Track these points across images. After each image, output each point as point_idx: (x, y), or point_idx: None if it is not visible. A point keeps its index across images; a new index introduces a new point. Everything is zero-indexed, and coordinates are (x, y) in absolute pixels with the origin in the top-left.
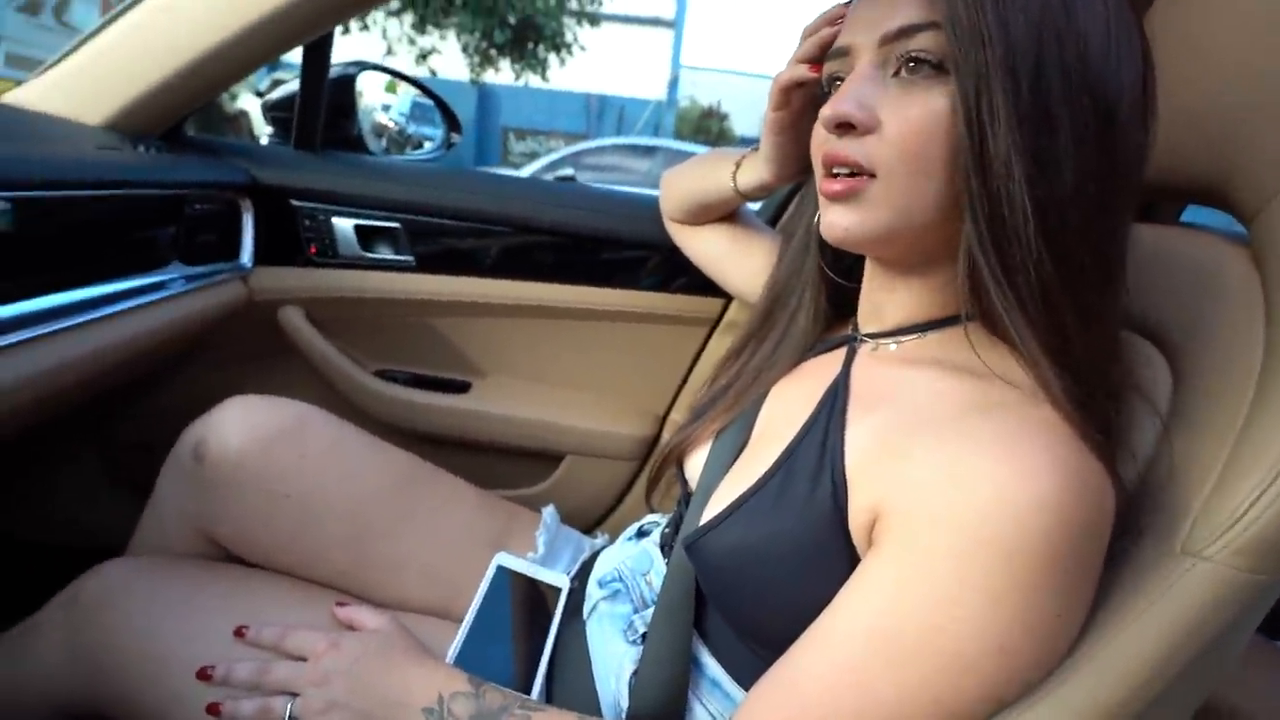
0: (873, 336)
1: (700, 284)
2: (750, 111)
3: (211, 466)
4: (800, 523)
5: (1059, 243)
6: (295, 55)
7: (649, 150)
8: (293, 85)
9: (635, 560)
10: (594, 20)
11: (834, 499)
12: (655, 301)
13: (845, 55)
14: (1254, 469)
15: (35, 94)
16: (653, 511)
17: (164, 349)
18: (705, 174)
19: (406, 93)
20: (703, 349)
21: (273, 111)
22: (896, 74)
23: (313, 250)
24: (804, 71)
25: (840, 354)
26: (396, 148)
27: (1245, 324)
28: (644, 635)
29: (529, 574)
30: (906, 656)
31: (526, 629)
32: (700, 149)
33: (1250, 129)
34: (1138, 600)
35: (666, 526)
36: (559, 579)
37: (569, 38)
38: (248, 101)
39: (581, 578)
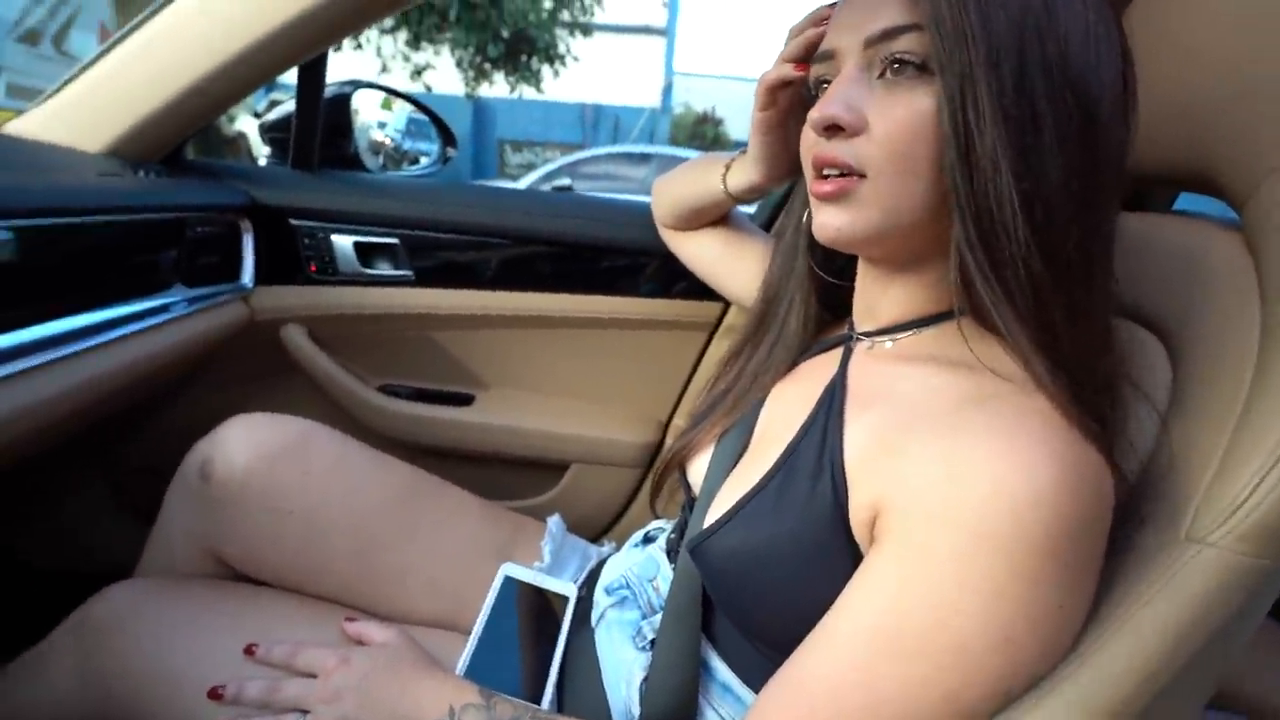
0: (868, 335)
1: (698, 289)
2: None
3: (218, 485)
4: (802, 522)
5: (1046, 238)
6: (291, 76)
7: (644, 157)
8: (289, 106)
9: (642, 567)
10: (586, 31)
11: (834, 497)
12: (654, 308)
13: (831, 58)
14: (1255, 453)
15: (36, 123)
16: (658, 517)
17: (168, 371)
18: (696, 178)
19: (402, 109)
20: (703, 353)
21: (270, 133)
22: (882, 75)
23: (313, 268)
24: (790, 71)
25: (837, 354)
26: (393, 164)
27: (1240, 309)
28: (653, 641)
29: (536, 584)
30: (911, 653)
31: (535, 639)
32: (696, 154)
33: (1236, 116)
34: (1143, 589)
35: (672, 532)
36: (566, 588)
37: (562, 49)
38: (246, 123)
39: (589, 586)
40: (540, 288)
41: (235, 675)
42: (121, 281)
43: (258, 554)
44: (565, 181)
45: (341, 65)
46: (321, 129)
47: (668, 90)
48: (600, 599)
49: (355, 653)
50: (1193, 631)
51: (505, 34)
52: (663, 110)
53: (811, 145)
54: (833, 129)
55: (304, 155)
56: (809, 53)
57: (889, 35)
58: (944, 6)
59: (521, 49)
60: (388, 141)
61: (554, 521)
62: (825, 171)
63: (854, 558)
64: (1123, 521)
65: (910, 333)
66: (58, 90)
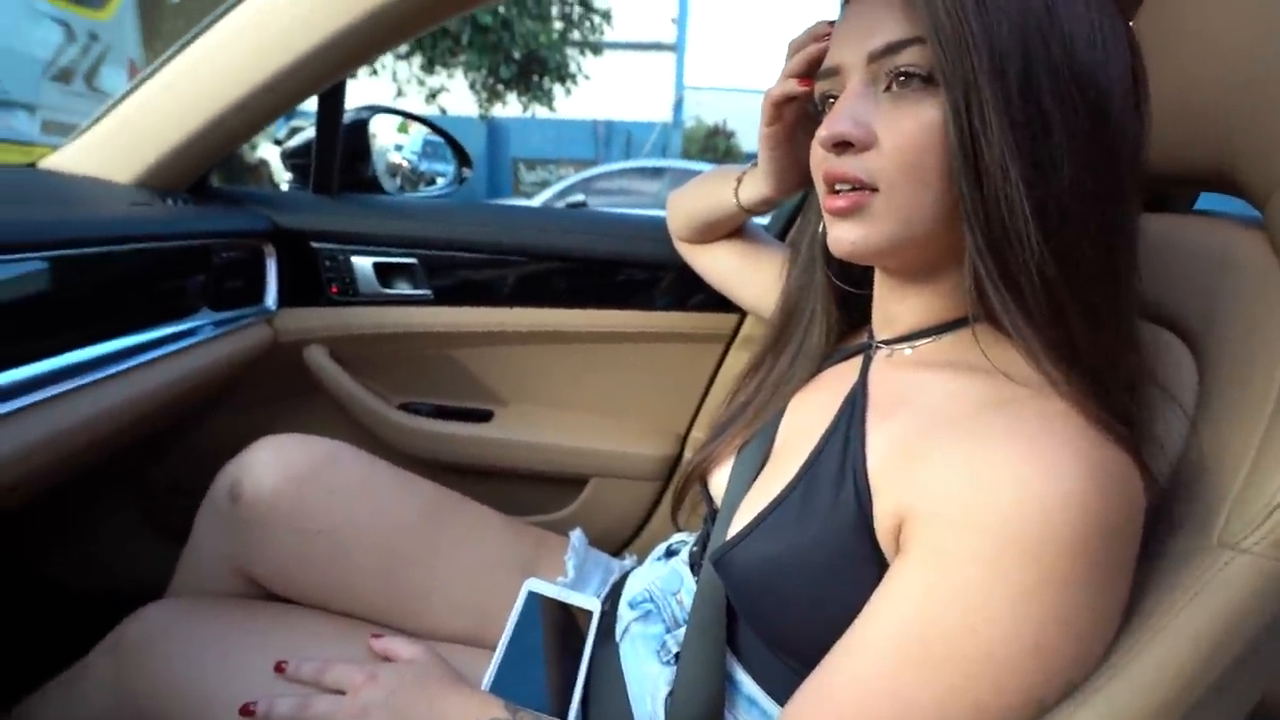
0: (888, 343)
1: (714, 300)
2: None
3: (247, 506)
4: (825, 531)
5: (1061, 241)
6: (311, 104)
7: (657, 172)
8: (309, 133)
9: (665, 580)
10: (597, 49)
11: (858, 506)
12: (670, 320)
13: (835, 74)
14: None
15: (70, 158)
16: (680, 530)
17: (196, 394)
18: (709, 192)
19: (418, 132)
20: (720, 365)
21: (291, 159)
22: (888, 89)
23: (334, 290)
24: (794, 86)
25: (856, 362)
26: (411, 185)
27: (1265, 308)
28: (677, 655)
29: (560, 598)
30: (940, 661)
31: (560, 653)
32: (708, 167)
33: (1254, 114)
34: (1175, 596)
35: (694, 544)
36: (590, 602)
37: (573, 68)
38: (267, 150)
39: (612, 600)
40: (556, 303)
41: (265, 692)
42: (151, 307)
43: (286, 573)
44: (579, 198)
45: (359, 90)
46: (340, 154)
47: (679, 105)
48: (624, 613)
49: (383, 669)
50: (1227, 640)
51: (517, 55)
52: (674, 124)
53: (821, 161)
54: (842, 145)
55: (324, 180)
56: (811, 68)
57: (892, 50)
58: (944, 17)
59: (533, 69)
60: (405, 164)
61: (576, 536)
62: (838, 187)
63: (879, 566)
64: (1154, 526)
65: (929, 340)
66: (90, 126)
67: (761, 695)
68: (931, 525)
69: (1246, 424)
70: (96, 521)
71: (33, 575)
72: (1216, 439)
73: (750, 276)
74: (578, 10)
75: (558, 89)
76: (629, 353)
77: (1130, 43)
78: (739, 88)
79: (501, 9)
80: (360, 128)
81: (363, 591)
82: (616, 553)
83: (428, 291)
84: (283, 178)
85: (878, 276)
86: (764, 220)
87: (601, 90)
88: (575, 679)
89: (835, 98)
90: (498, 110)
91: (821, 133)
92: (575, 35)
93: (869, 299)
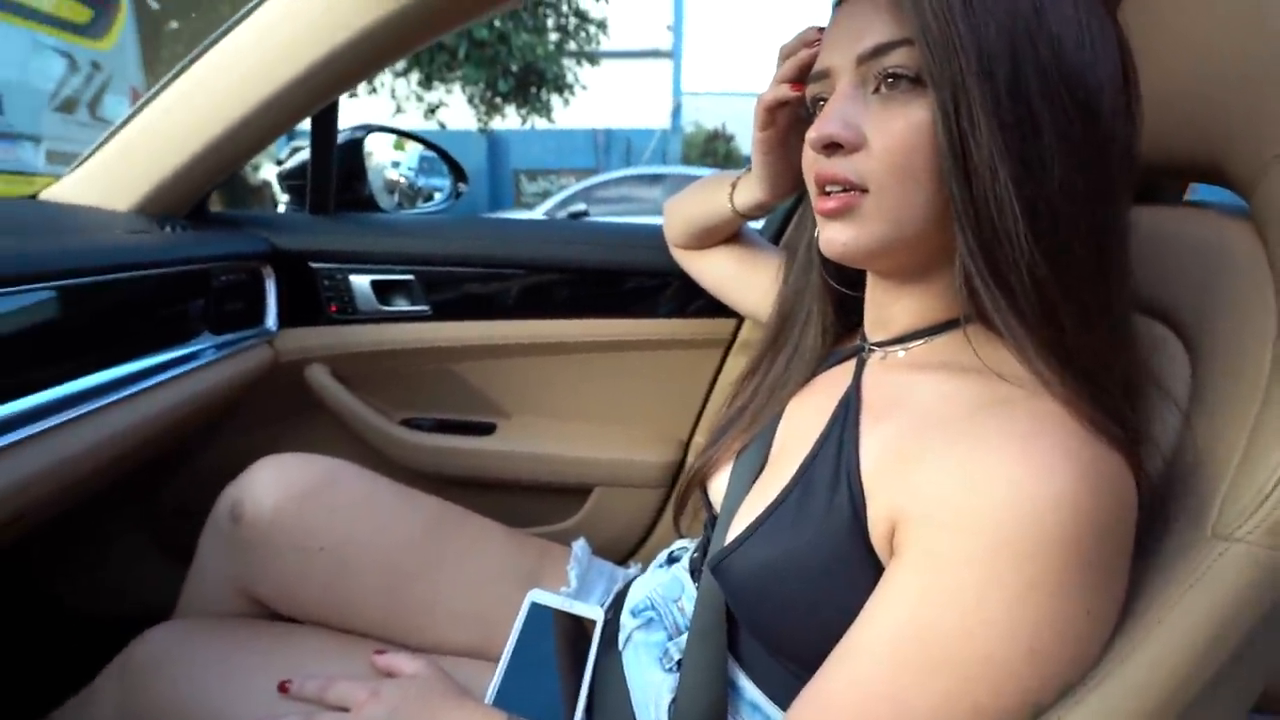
0: (880, 345)
1: (711, 306)
2: None
3: (248, 526)
4: (821, 535)
5: (1051, 241)
6: (308, 123)
7: (657, 178)
8: (304, 154)
9: (666, 587)
10: (593, 59)
11: (852, 510)
12: (668, 328)
13: (825, 77)
14: (1278, 444)
15: (69, 188)
16: (682, 537)
17: (199, 416)
18: (704, 198)
19: (414, 148)
20: (719, 370)
21: (287, 180)
22: (876, 90)
23: (333, 308)
24: (786, 91)
25: (851, 365)
26: (408, 201)
27: (1255, 297)
28: (679, 662)
29: (563, 609)
30: (936, 665)
31: (564, 664)
32: (708, 172)
33: (1238, 103)
34: (1170, 591)
35: (695, 551)
36: (593, 611)
37: (570, 79)
38: (269, 171)
39: (615, 608)
40: (554, 314)
41: (270, 712)
42: (152, 333)
43: (289, 592)
44: (581, 207)
45: (359, 108)
46: (336, 173)
47: (677, 111)
48: (626, 621)
49: (385, 685)
50: (1225, 633)
51: (514, 68)
52: (673, 130)
53: (812, 163)
54: (832, 147)
55: (320, 200)
56: (803, 72)
57: (880, 51)
58: (931, 19)
59: (531, 81)
60: (402, 180)
61: (579, 545)
62: (828, 188)
63: (875, 569)
64: (1149, 522)
65: (922, 341)
66: (88, 156)
67: (764, 700)
68: (925, 528)
69: (1238, 414)
70: (105, 545)
71: (43, 599)
72: (1209, 431)
73: (747, 281)
74: (573, 21)
75: (556, 100)
76: (628, 361)
77: (1120, 43)
78: (737, 92)
79: (497, 22)
80: (355, 147)
81: (365, 608)
82: (623, 561)
83: (426, 307)
84: (281, 199)
85: (870, 279)
86: (758, 224)
87: (600, 99)
88: (579, 689)
89: (825, 100)
90: (497, 123)
91: (811, 134)
92: (572, 46)
93: (864, 302)
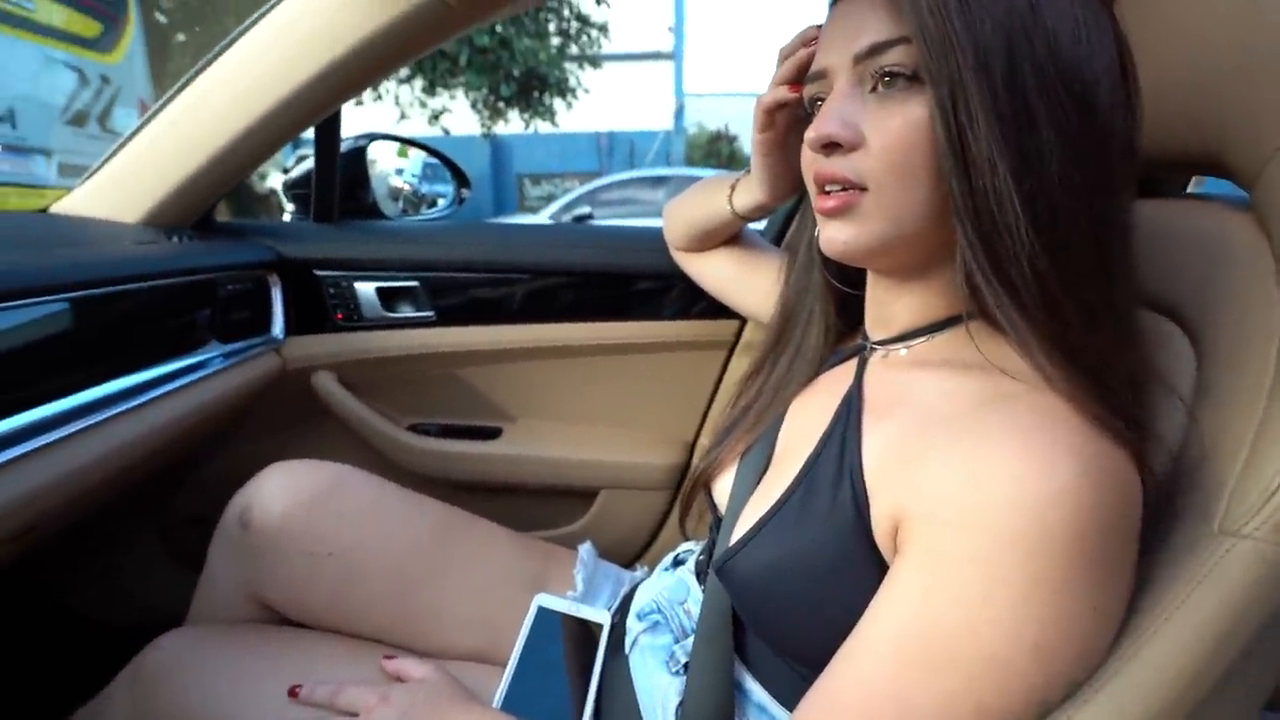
0: (882, 343)
1: (715, 308)
2: None
3: (257, 532)
4: (824, 535)
5: (1052, 234)
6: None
7: (661, 180)
8: (308, 163)
9: (672, 590)
10: (595, 63)
11: (855, 509)
12: (672, 329)
13: (823, 77)
14: None
15: (79, 201)
16: (688, 539)
17: (208, 425)
18: (704, 201)
19: (417, 155)
20: (724, 371)
21: (292, 189)
22: (874, 89)
23: (339, 316)
24: (784, 93)
25: (853, 364)
26: (412, 208)
27: (1258, 290)
28: (686, 665)
29: (570, 613)
30: (941, 663)
31: (571, 668)
32: (711, 173)
33: (1239, 95)
34: (1178, 588)
35: (700, 553)
36: (600, 615)
37: (573, 82)
38: (276, 180)
39: (622, 612)
40: (558, 318)
41: (280, 717)
42: (161, 343)
43: (298, 597)
44: (585, 210)
45: (363, 115)
46: (340, 181)
47: (679, 112)
48: (632, 625)
49: (394, 690)
50: (1234, 630)
51: (516, 73)
52: (676, 132)
53: (811, 163)
54: (831, 146)
55: (324, 208)
56: (802, 73)
57: (876, 50)
58: (928, 17)
59: (533, 86)
60: (406, 187)
61: (585, 549)
62: (827, 187)
63: (879, 568)
64: (1155, 518)
65: (923, 339)
66: (96, 170)
67: (771, 702)
68: (928, 526)
69: (1244, 409)
70: (118, 553)
71: (56, 607)
72: (1215, 426)
73: (748, 283)
74: (575, 24)
75: (559, 103)
76: (633, 363)
77: (1116, 35)
78: (739, 92)
79: (499, 27)
80: (358, 155)
81: (373, 613)
82: (629, 564)
83: (431, 313)
84: (286, 208)
85: (870, 277)
86: (759, 225)
87: (602, 102)
88: (586, 693)
89: (823, 100)
90: (500, 128)
91: (810, 134)
92: (574, 49)
93: (865, 300)
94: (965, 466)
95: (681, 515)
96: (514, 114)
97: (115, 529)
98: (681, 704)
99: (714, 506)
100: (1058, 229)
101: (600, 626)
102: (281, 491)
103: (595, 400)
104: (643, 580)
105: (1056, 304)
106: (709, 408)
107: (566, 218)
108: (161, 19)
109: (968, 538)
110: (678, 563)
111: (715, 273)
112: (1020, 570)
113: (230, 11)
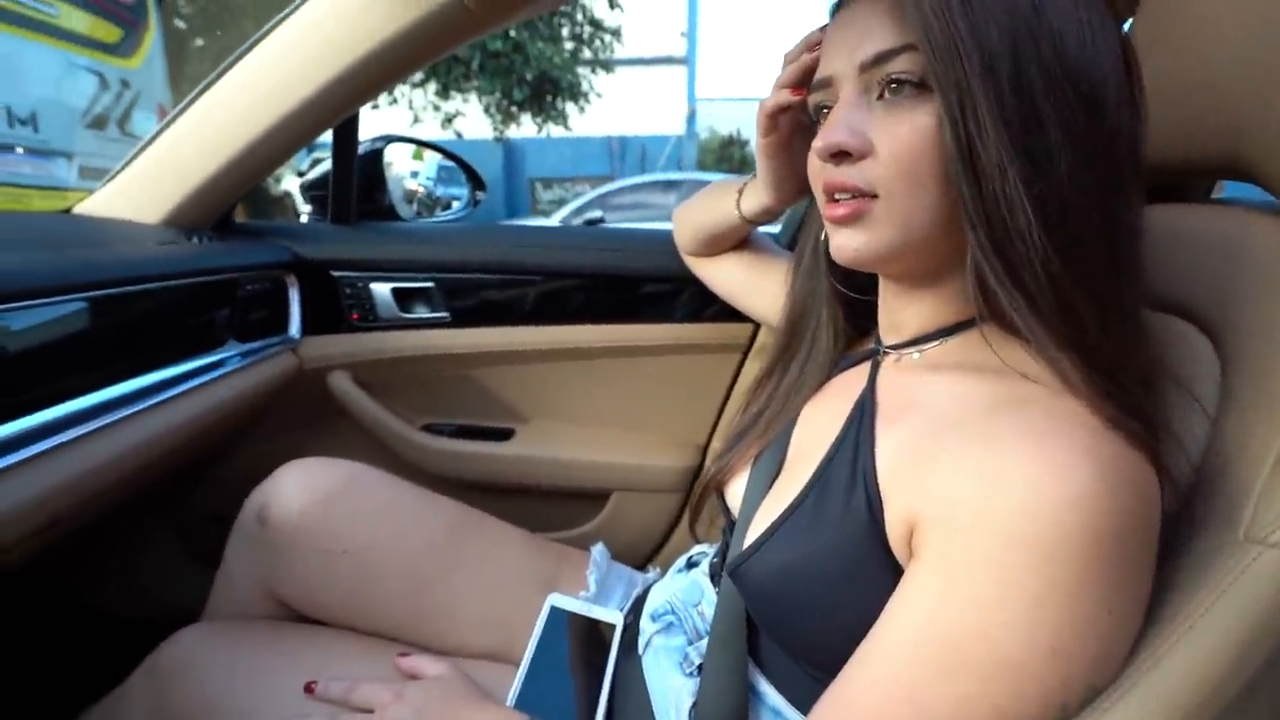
0: (895, 348)
1: (729, 311)
2: None
3: (274, 529)
4: (838, 539)
5: (1063, 235)
6: (329, 136)
7: (672, 185)
8: (325, 165)
9: (686, 592)
10: (608, 67)
11: (869, 513)
12: (687, 332)
13: (828, 85)
14: None
15: (101, 202)
16: (698, 542)
17: (226, 422)
18: (712, 205)
19: (432, 158)
20: (737, 375)
21: (310, 191)
22: (881, 97)
23: (355, 316)
24: (787, 96)
25: (865, 368)
26: (427, 210)
27: None
28: (700, 667)
29: (583, 613)
30: (956, 666)
31: (584, 668)
32: (721, 178)
33: (1266, 99)
34: (1201, 596)
35: (714, 556)
36: (613, 616)
37: (585, 87)
38: (291, 183)
39: (635, 613)
40: (572, 320)
41: (296, 713)
42: (180, 341)
43: (314, 594)
44: (597, 214)
45: (379, 118)
46: (357, 183)
47: (691, 117)
48: (646, 626)
49: (409, 687)
50: (1258, 638)
51: (529, 77)
52: (688, 136)
53: (819, 171)
54: (840, 155)
55: (341, 210)
56: (805, 77)
57: (882, 58)
58: (933, 23)
59: (546, 90)
60: (420, 189)
61: (598, 550)
62: (837, 196)
63: (894, 572)
64: (1176, 524)
65: (936, 343)
66: (118, 172)
67: (785, 705)
68: (942, 530)
69: (1269, 415)
70: (136, 549)
71: (75, 603)
72: (1240, 430)
73: (759, 287)
74: (588, 29)
75: (571, 108)
76: (646, 366)
77: (1120, 35)
78: (751, 97)
79: (512, 32)
80: (375, 157)
81: (388, 611)
82: (641, 566)
83: (445, 314)
84: (303, 209)
85: (882, 282)
86: (774, 229)
87: (615, 107)
88: (599, 693)
89: (829, 108)
90: (513, 131)
91: (818, 144)
92: (586, 54)
93: (875, 304)
94: (980, 470)
95: (691, 520)
96: (526, 118)
97: (133, 526)
98: (695, 705)
99: (727, 510)
100: (1068, 228)
101: (613, 627)
102: (298, 489)
103: (608, 402)
104: (655, 582)
105: (1070, 306)
106: (722, 411)
107: (578, 221)
108: (181, 24)
109: (982, 541)
110: (691, 564)
111: (725, 277)
112: (1035, 574)
113: (249, 16)
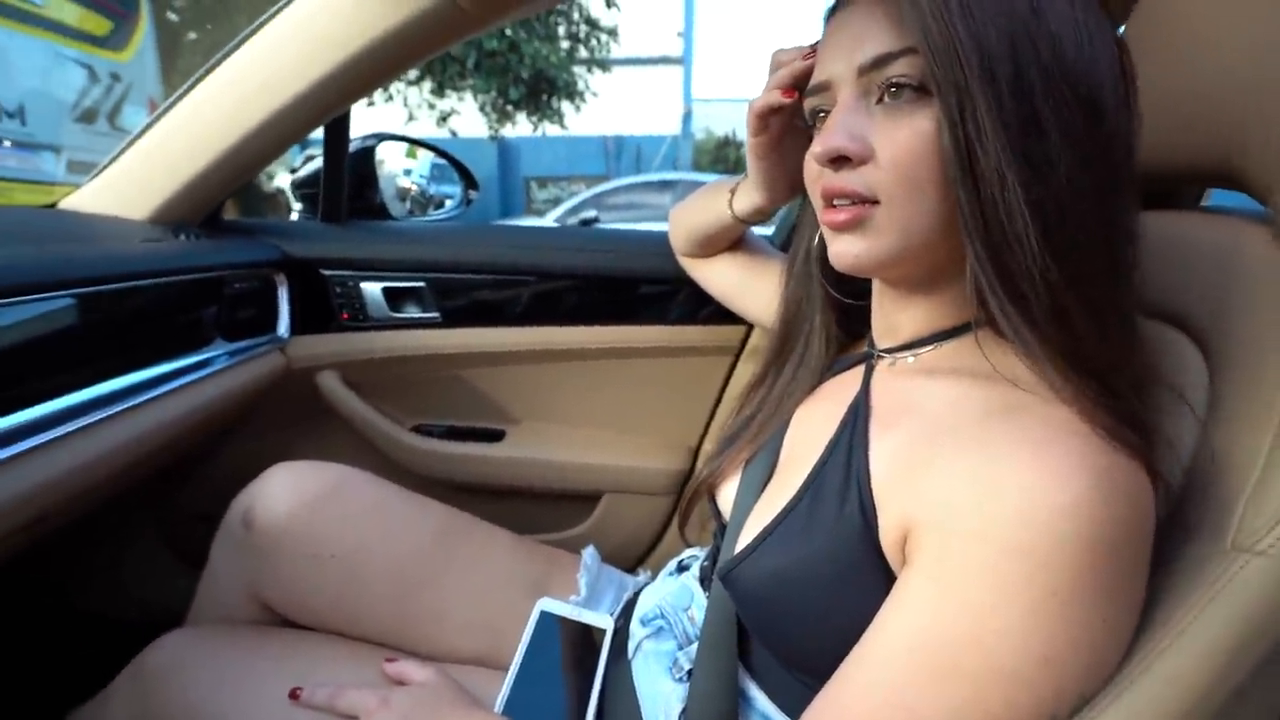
0: (889, 352)
1: (722, 313)
2: None
3: (260, 533)
4: (831, 544)
5: (1061, 240)
6: (321, 132)
7: (667, 185)
8: (317, 163)
9: (676, 596)
10: (604, 66)
11: (863, 518)
12: (679, 334)
13: (825, 90)
14: None
15: (88, 198)
16: (689, 546)
17: (213, 423)
18: (705, 206)
19: (426, 156)
20: (729, 377)
21: (300, 188)
22: (880, 101)
23: (344, 316)
24: (778, 97)
25: (859, 372)
26: (420, 209)
27: (1273, 303)
28: (690, 672)
29: (572, 617)
30: (948, 674)
31: (573, 673)
32: (718, 178)
33: (1256, 107)
34: (1191, 602)
35: (705, 560)
36: (603, 620)
37: (581, 86)
38: (284, 180)
39: (625, 617)
40: (563, 321)
41: (281, 719)
42: (167, 340)
43: (300, 598)
44: (591, 213)
45: (373, 115)
46: (348, 181)
47: (687, 117)
48: (635, 630)
49: (395, 693)
50: (1245, 646)
51: (525, 75)
52: (684, 137)
53: (818, 177)
54: (839, 160)
55: (332, 208)
56: (797, 80)
57: (881, 62)
58: (932, 26)
59: (542, 89)
60: (413, 188)
61: (589, 553)
62: (836, 201)
63: (887, 578)
64: (1167, 531)
65: (931, 347)
66: (105, 166)
67: (775, 711)
68: (937, 536)
69: (1258, 422)
70: (122, 550)
71: (60, 604)
72: (1228, 439)
73: (753, 288)
74: (584, 28)
75: (567, 107)
76: (638, 368)
77: (1115, 39)
78: (748, 98)
79: (508, 31)
80: (366, 155)
81: (375, 616)
82: (632, 568)
83: (436, 314)
84: (294, 207)
85: (877, 287)
86: (767, 230)
87: (611, 106)
88: (589, 698)
89: (826, 112)
90: (508, 130)
91: (816, 149)
92: (583, 53)
93: (868, 308)
94: (975, 477)
95: (681, 523)
96: (522, 117)
97: (119, 526)
98: (685, 711)
99: (718, 514)
100: (1066, 233)
101: (603, 631)
102: (284, 492)
103: (600, 404)
104: (646, 585)
105: (1067, 315)
106: (714, 413)
107: (573, 221)
108: (173, 17)
109: (976, 548)
110: (682, 568)
111: (720, 278)
112: (1030, 582)
113: (242, 10)
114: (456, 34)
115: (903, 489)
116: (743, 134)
